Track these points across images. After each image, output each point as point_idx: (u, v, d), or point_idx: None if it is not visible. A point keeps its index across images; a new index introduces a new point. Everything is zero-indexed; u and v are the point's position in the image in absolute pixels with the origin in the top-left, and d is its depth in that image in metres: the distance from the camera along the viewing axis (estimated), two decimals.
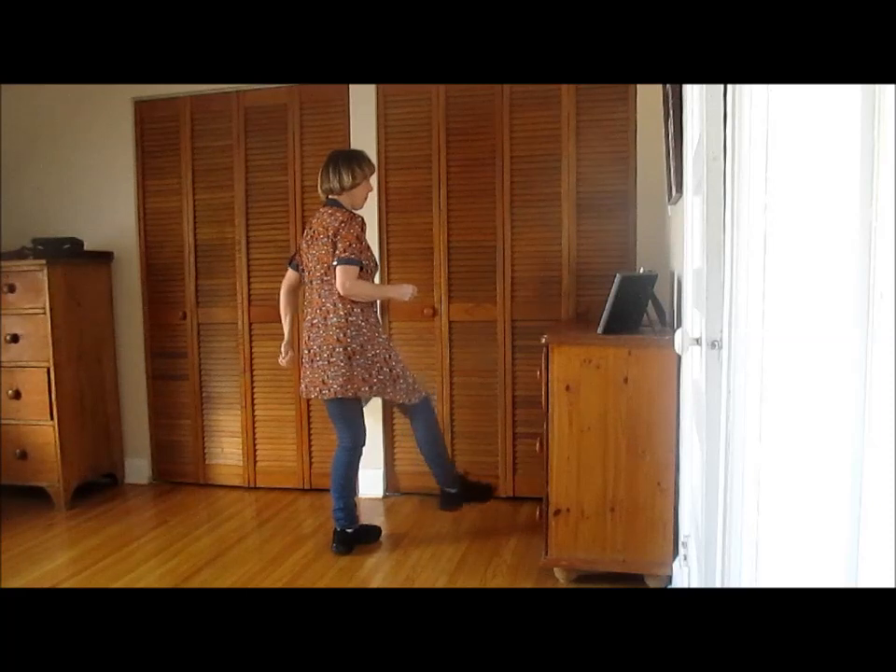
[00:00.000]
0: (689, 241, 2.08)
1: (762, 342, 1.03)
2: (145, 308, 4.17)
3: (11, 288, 3.75)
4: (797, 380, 0.85)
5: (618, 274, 2.64)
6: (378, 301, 3.26)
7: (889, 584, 0.56)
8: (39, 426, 3.79)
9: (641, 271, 2.93)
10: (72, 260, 3.89)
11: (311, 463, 4.00)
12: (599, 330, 2.66)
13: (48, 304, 3.71)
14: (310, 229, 3.09)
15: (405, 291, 3.14)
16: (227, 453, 4.13)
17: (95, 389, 4.04)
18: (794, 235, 0.86)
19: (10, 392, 3.79)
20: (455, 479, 3.29)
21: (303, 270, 3.14)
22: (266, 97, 3.89)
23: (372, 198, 3.24)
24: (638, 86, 3.43)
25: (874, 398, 0.59)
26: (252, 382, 4.03)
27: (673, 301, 2.97)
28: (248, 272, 3.99)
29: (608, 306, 2.63)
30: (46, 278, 3.70)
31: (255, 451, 4.08)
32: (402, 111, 3.74)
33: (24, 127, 4.17)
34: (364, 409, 3.21)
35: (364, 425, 3.21)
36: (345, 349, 2.97)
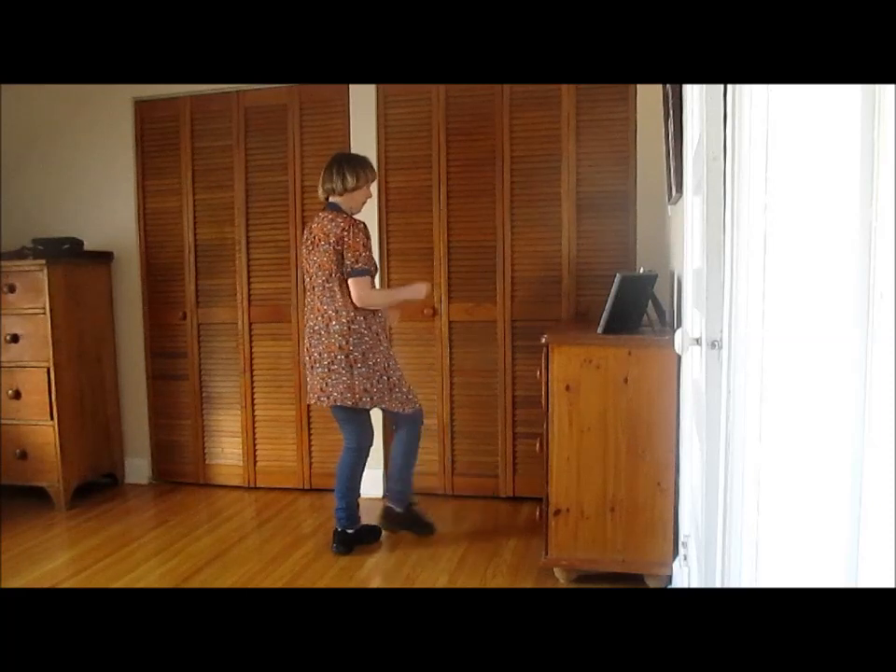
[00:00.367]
0: (689, 241, 2.08)
1: (762, 342, 1.03)
2: (145, 308, 4.17)
3: (11, 288, 3.75)
4: (797, 380, 0.85)
5: (618, 274, 2.64)
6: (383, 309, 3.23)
7: (889, 584, 0.56)
8: (39, 426, 3.79)
9: (641, 271, 2.93)
10: (72, 260, 3.89)
11: (311, 463, 4.00)
12: (599, 330, 2.66)
13: (48, 304, 3.71)
14: (310, 233, 3.08)
15: (420, 290, 3.14)
16: (227, 453, 4.13)
17: (95, 389, 4.04)
18: (794, 235, 0.86)
19: (10, 392, 3.79)
20: (406, 502, 3.25)
21: (305, 275, 3.14)
22: (266, 97, 3.89)
23: (372, 198, 3.24)
24: (638, 86, 3.43)
25: (874, 398, 0.59)
26: (252, 382, 4.03)
27: (673, 301, 2.97)
28: (248, 272, 3.99)
29: (608, 306, 2.63)
30: (46, 278, 3.70)
31: (255, 451, 4.08)
32: (402, 111, 3.74)
33: (24, 127, 4.17)
34: (370, 410, 3.20)
35: (371, 427, 3.21)
36: (347, 357, 2.97)
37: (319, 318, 3.03)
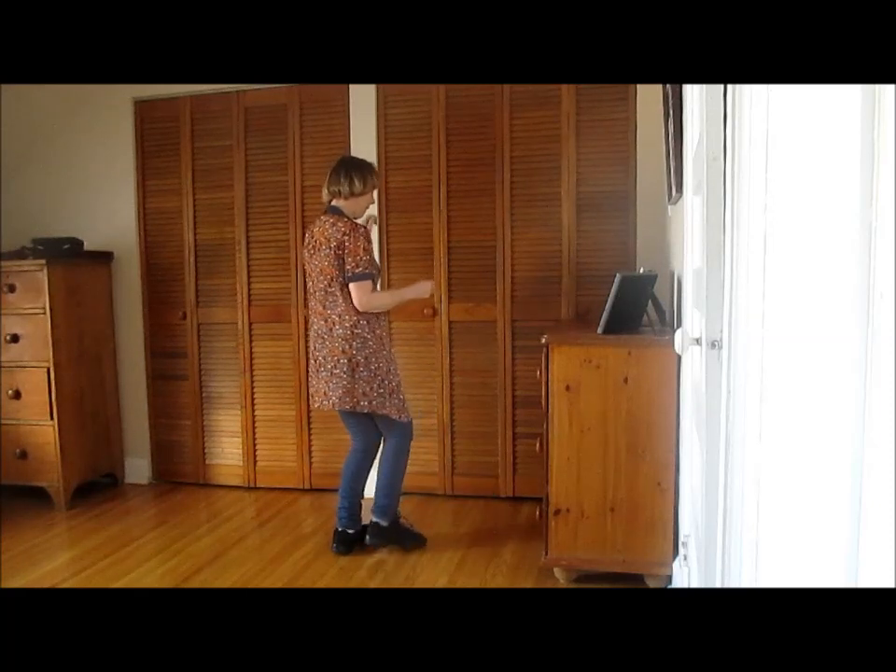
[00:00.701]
0: (689, 241, 2.08)
1: (762, 342, 1.03)
2: (145, 308, 4.17)
3: (11, 288, 3.75)
4: (797, 380, 0.85)
5: (618, 274, 2.64)
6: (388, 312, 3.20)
7: (889, 584, 0.56)
8: (39, 426, 3.79)
9: (641, 271, 2.93)
10: (72, 260, 3.89)
11: (311, 463, 4.00)
12: (599, 330, 2.66)
13: (48, 304, 3.71)
14: (311, 237, 3.07)
15: (424, 289, 3.13)
16: (227, 453, 4.13)
17: (95, 389, 4.04)
18: (794, 235, 0.86)
19: (10, 392, 3.79)
20: (392, 517, 3.16)
21: (307, 279, 3.13)
22: (266, 97, 3.89)
23: (374, 197, 3.24)
24: (638, 86, 3.43)
25: (874, 398, 0.59)
26: (252, 382, 4.03)
27: (673, 301, 2.97)
28: (248, 272, 3.99)
29: (608, 306, 2.63)
30: (46, 278, 3.70)
31: (255, 451, 4.08)
32: (402, 111, 3.74)
33: (24, 127, 4.17)
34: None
35: (377, 429, 3.20)
36: (350, 360, 2.97)
37: (323, 322, 3.03)
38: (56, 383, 3.75)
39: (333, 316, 2.99)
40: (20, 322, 3.76)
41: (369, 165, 3.11)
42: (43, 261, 3.71)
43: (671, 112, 2.44)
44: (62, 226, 4.10)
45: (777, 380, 0.96)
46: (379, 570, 3.00)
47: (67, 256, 3.87)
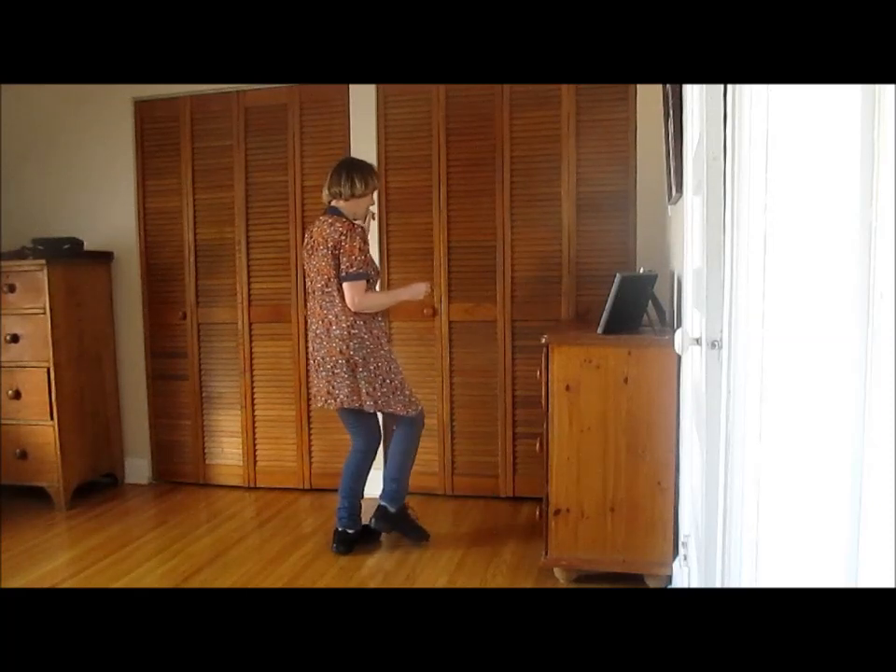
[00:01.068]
0: (689, 241, 2.08)
1: (762, 342, 1.03)
2: (145, 308, 4.17)
3: (11, 288, 3.75)
4: (797, 380, 0.85)
5: (618, 274, 2.64)
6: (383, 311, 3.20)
7: (889, 584, 0.56)
8: (39, 426, 3.78)
9: (641, 271, 2.93)
10: (72, 260, 3.89)
11: (311, 463, 4.00)
12: (599, 330, 2.66)
13: (48, 304, 3.71)
14: (310, 238, 3.07)
15: (419, 290, 3.13)
16: (227, 453, 4.13)
17: (95, 389, 4.04)
18: (794, 235, 0.86)
19: (10, 392, 3.79)
20: (400, 503, 3.17)
21: (306, 279, 3.14)
22: (266, 97, 3.89)
23: (374, 199, 3.24)
24: (638, 86, 3.43)
25: (874, 398, 0.59)
26: (252, 382, 4.03)
27: (673, 301, 2.97)
28: (248, 272, 3.99)
29: (608, 306, 2.63)
30: (46, 278, 3.70)
31: (255, 451, 4.08)
32: (402, 111, 3.74)
33: (24, 127, 4.17)
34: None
35: (378, 428, 3.21)
36: (348, 361, 2.97)
37: (320, 323, 3.03)
38: (56, 383, 3.75)
39: (330, 317, 3.00)
40: (20, 322, 3.76)
41: (369, 167, 3.11)
42: (43, 261, 3.71)
43: (671, 112, 2.44)
44: (62, 226, 4.10)
45: (776, 380, 0.96)
46: (379, 570, 3.00)
47: (67, 256, 3.87)
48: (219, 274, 4.04)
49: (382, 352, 3.04)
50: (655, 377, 2.59)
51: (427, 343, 3.80)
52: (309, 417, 3.98)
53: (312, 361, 3.11)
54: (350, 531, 3.15)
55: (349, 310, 2.96)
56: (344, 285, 2.95)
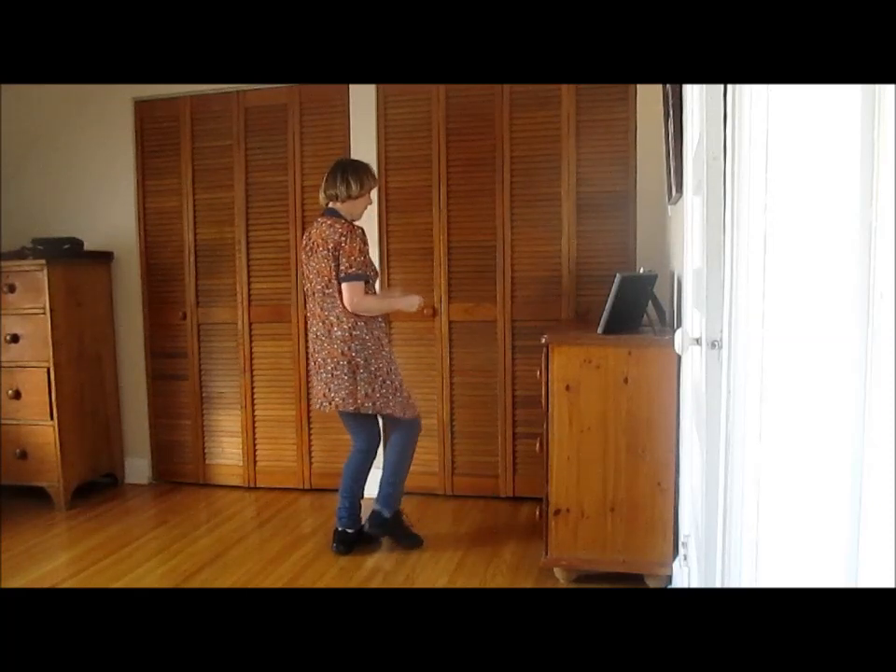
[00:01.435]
0: (689, 241, 2.08)
1: (762, 342, 1.03)
2: (145, 308, 4.17)
3: (11, 288, 3.75)
4: (797, 380, 0.85)
5: (618, 274, 2.64)
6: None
7: (889, 584, 0.56)
8: (39, 426, 3.79)
9: (641, 271, 2.93)
10: (72, 260, 3.89)
11: (311, 463, 4.00)
12: (599, 330, 2.66)
13: (48, 304, 3.71)
14: (309, 239, 3.07)
15: (412, 302, 3.13)
16: (227, 453, 4.13)
17: (95, 389, 4.04)
18: (794, 235, 0.86)
19: (10, 392, 3.79)
20: (394, 508, 3.16)
21: (305, 281, 3.14)
22: (266, 97, 3.89)
23: (372, 198, 3.24)
24: (638, 86, 3.43)
25: (874, 398, 0.59)
26: (252, 382, 4.03)
27: (673, 301, 2.97)
28: (248, 272, 3.99)
29: (608, 306, 2.63)
30: (46, 278, 3.70)
31: (255, 451, 4.08)
32: (402, 111, 3.74)
33: (24, 127, 4.17)
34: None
35: (378, 429, 3.21)
36: (349, 362, 2.97)
37: (321, 324, 3.03)
38: (56, 383, 3.75)
39: (331, 318, 2.99)
40: (20, 322, 3.76)
41: (365, 167, 3.10)
42: (43, 261, 3.71)
43: (671, 112, 2.44)
44: (62, 226, 4.10)
45: (776, 380, 0.96)
46: (379, 570, 3.00)
47: (67, 256, 3.87)
48: (219, 274, 4.04)
49: (383, 353, 3.04)
50: (655, 377, 2.59)
51: (427, 343, 3.80)
52: (309, 417, 3.98)
53: (312, 363, 3.11)
54: (350, 531, 3.15)
55: (350, 311, 2.97)
56: (343, 285, 2.95)
